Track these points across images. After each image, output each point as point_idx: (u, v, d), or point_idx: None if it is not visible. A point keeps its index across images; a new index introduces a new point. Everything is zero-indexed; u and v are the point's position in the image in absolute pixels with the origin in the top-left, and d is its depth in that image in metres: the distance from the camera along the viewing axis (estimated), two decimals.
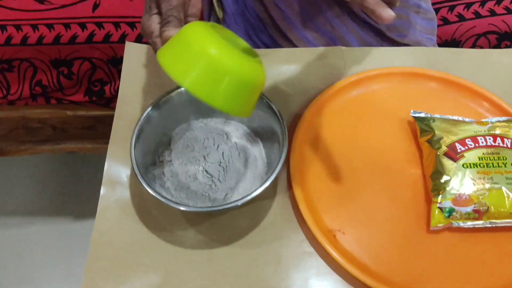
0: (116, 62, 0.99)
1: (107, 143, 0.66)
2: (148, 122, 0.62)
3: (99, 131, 1.18)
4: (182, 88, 0.64)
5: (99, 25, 0.99)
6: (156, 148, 0.65)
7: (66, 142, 1.22)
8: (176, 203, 0.57)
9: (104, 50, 0.99)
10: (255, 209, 0.62)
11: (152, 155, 0.64)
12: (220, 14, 0.84)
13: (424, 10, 0.90)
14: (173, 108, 0.65)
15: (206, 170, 0.63)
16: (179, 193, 0.62)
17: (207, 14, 0.88)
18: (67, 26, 0.98)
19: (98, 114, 1.10)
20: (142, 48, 0.77)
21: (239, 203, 0.56)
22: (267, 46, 0.85)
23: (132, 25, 0.99)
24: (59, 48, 0.99)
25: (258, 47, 0.84)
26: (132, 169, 0.59)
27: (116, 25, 0.99)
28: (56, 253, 1.34)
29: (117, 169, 0.65)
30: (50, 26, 0.98)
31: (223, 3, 0.83)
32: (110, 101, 1.06)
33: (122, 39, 0.98)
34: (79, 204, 1.35)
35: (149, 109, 0.63)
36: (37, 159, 1.50)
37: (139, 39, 0.99)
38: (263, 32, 0.84)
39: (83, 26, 0.98)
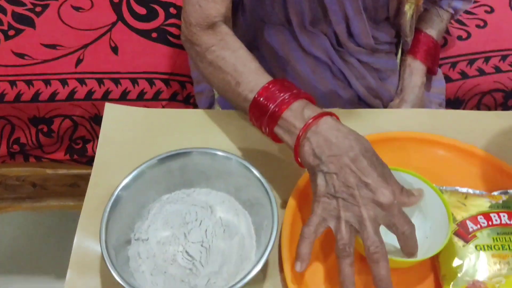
0: (99, 120, 0.94)
1: None
2: (123, 196, 0.57)
3: (82, 188, 1.12)
4: (162, 157, 0.60)
5: (81, 81, 0.94)
6: (132, 222, 0.59)
7: (47, 199, 1.16)
8: None
9: (86, 107, 0.94)
10: None
11: (128, 232, 0.58)
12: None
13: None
14: (152, 178, 0.60)
15: (186, 251, 0.56)
16: (155, 278, 0.55)
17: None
18: (47, 82, 0.93)
19: (79, 172, 1.04)
20: (122, 110, 0.72)
21: None
22: None
23: (116, 81, 0.95)
24: (38, 106, 0.94)
25: None
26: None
27: (100, 81, 0.94)
28: None
29: (88, 247, 0.59)
30: (29, 83, 0.93)
31: None
32: (92, 159, 1.00)
33: (106, 96, 0.93)
34: (61, 263, 1.29)
35: (123, 182, 0.58)
36: (17, 216, 1.43)
37: (123, 97, 0.94)
38: None
39: (64, 82, 0.94)
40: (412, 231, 0.53)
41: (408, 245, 0.53)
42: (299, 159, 0.58)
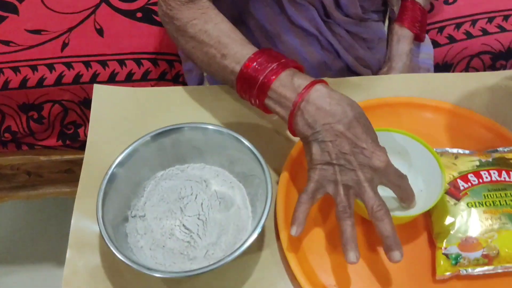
0: (89, 104, 0.93)
1: None
2: (118, 174, 0.57)
3: (77, 173, 1.11)
4: (154, 133, 0.60)
5: (68, 65, 0.93)
6: (128, 200, 0.59)
7: (42, 187, 1.16)
8: (150, 269, 0.50)
9: (74, 91, 0.93)
10: (240, 266, 0.56)
11: (124, 210, 0.58)
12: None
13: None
14: (146, 155, 0.60)
15: (184, 225, 0.57)
16: (154, 253, 0.55)
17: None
18: (34, 68, 0.93)
19: (73, 158, 1.04)
20: (111, 90, 0.72)
21: (222, 263, 0.50)
22: None
23: (103, 64, 0.94)
24: (27, 92, 0.93)
25: None
26: None
27: (87, 64, 0.93)
28: None
29: (86, 226, 0.59)
30: (16, 69, 0.92)
31: None
32: (85, 144, 0.99)
33: (94, 79, 0.92)
34: (59, 250, 1.29)
35: (117, 160, 0.58)
36: (13, 205, 1.42)
37: (111, 78, 0.93)
38: None
39: (51, 67, 0.93)
40: (406, 182, 0.55)
41: (406, 196, 0.55)
42: (292, 129, 0.58)
